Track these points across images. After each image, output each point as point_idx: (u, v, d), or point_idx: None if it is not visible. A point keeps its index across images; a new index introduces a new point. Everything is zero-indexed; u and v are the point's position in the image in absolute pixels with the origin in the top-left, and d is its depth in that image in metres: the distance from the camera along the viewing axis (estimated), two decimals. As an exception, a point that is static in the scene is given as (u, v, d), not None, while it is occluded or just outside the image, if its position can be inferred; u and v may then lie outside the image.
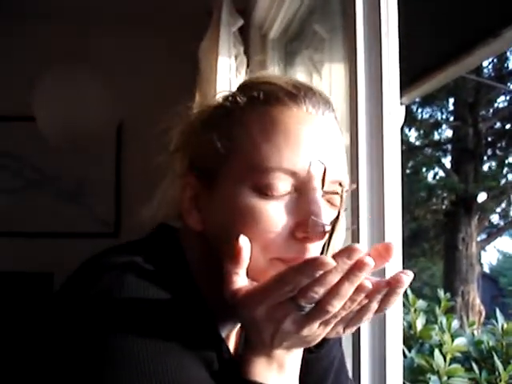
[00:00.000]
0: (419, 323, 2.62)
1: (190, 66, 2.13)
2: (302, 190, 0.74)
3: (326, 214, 0.73)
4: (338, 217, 0.74)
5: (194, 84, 2.13)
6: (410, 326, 2.67)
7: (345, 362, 0.95)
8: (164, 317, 0.70)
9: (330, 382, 0.88)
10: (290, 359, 0.74)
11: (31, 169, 3.34)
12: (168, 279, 0.74)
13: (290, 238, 0.73)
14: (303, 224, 0.72)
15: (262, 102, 0.76)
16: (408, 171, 9.05)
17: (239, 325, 0.88)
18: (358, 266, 0.61)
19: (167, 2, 2.92)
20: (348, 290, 0.63)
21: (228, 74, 1.93)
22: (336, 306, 0.64)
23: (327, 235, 0.73)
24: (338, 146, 0.78)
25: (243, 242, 0.70)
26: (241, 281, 0.71)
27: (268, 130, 0.74)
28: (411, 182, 8.91)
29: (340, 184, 0.76)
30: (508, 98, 9.04)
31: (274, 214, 0.72)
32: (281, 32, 2.26)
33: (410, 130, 9.21)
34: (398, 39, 1.24)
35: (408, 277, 0.64)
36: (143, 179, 2.88)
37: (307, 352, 0.79)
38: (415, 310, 2.68)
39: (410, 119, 8.41)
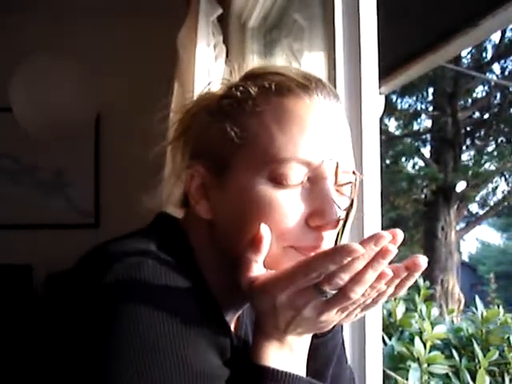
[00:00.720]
0: (399, 311, 2.65)
1: (168, 56, 2.11)
2: (315, 180, 0.75)
3: (338, 203, 0.74)
4: (351, 204, 0.75)
5: (172, 73, 2.11)
6: (390, 314, 2.69)
7: (345, 349, 0.97)
8: (182, 303, 0.70)
9: (332, 366, 0.90)
10: (301, 344, 0.75)
11: (8, 159, 3.30)
12: (179, 267, 0.74)
13: (305, 227, 0.74)
14: (317, 213, 0.74)
15: (274, 93, 0.76)
16: (388, 161, 9.10)
17: (240, 311, 0.89)
18: (382, 254, 0.62)
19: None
20: (372, 277, 0.64)
21: (207, 63, 1.91)
22: (358, 292, 0.65)
23: (341, 223, 0.74)
24: (348, 135, 0.80)
25: (264, 230, 0.72)
26: (259, 269, 0.72)
27: (283, 121, 0.74)
28: (391, 172, 8.96)
29: (354, 173, 0.78)
30: (486, 87, 9.11)
31: (289, 203, 0.73)
32: (260, 21, 2.25)
33: (389, 120, 9.25)
34: (376, 28, 1.24)
35: (425, 260, 0.65)
36: (122, 169, 2.88)
37: (314, 337, 0.80)
38: (395, 299, 2.70)
39: (389, 109, 8.45)
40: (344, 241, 0.75)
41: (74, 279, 0.73)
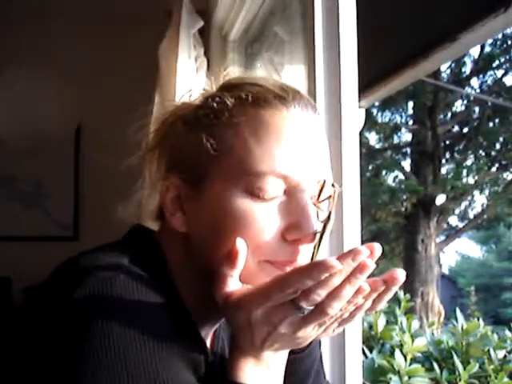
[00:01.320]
0: (380, 324, 2.65)
1: (149, 67, 2.11)
2: (292, 193, 0.74)
3: (316, 216, 0.74)
4: (329, 217, 0.74)
5: (153, 85, 2.11)
6: (370, 327, 2.69)
7: (322, 363, 0.96)
8: (154, 319, 0.68)
9: (310, 382, 0.89)
10: (277, 360, 0.74)
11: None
12: (152, 282, 0.72)
13: (281, 241, 0.73)
14: (294, 226, 0.73)
15: (251, 104, 0.75)
16: (368, 174, 9.15)
17: (216, 326, 0.88)
18: (359, 269, 0.61)
19: (127, 1, 2.90)
20: (349, 292, 0.63)
21: (188, 75, 1.91)
22: (336, 308, 0.64)
23: (317, 237, 0.73)
24: (325, 147, 0.79)
25: (240, 245, 0.70)
26: (234, 284, 0.71)
27: (260, 133, 0.74)
28: (372, 185, 9.01)
29: (333, 185, 0.77)
30: (465, 102, 9.21)
31: (265, 217, 0.72)
32: (241, 33, 2.26)
33: (370, 133, 9.32)
34: (356, 42, 1.25)
35: (403, 274, 0.65)
36: (102, 182, 2.86)
37: (291, 353, 0.79)
38: (376, 312, 2.70)
39: (370, 122, 8.50)
40: (320, 255, 0.74)
41: (45, 293, 0.72)
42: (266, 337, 0.68)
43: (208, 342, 0.89)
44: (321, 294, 0.63)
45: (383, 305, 0.69)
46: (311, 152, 0.75)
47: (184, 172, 0.78)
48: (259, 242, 0.72)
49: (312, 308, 0.64)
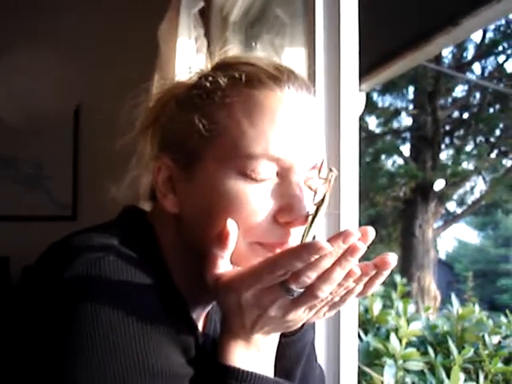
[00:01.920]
0: (376, 308, 2.66)
1: (149, 48, 2.10)
2: (284, 175, 0.74)
3: (307, 199, 0.74)
4: (322, 200, 0.74)
5: (153, 66, 2.10)
6: (366, 311, 2.71)
7: (315, 347, 0.96)
8: (142, 300, 0.68)
9: (301, 365, 0.89)
10: (268, 343, 0.74)
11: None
12: (142, 263, 0.72)
13: (272, 223, 0.73)
14: (286, 209, 0.73)
15: (244, 84, 0.74)
16: (368, 158, 9.14)
17: (208, 308, 0.88)
18: (350, 251, 0.61)
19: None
20: (339, 275, 0.63)
21: (188, 56, 1.90)
22: (326, 291, 0.64)
23: (309, 219, 0.73)
24: (320, 129, 0.79)
25: (231, 226, 0.70)
26: (225, 265, 0.70)
27: (253, 114, 0.73)
28: (371, 169, 9.00)
29: (330, 169, 0.76)
30: (466, 87, 9.19)
31: (258, 198, 0.72)
32: (242, 15, 2.24)
33: (369, 117, 9.30)
34: (357, 26, 1.24)
35: (394, 258, 0.65)
36: (101, 162, 2.85)
37: (282, 336, 0.79)
38: (372, 295, 2.72)
39: (370, 106, 8.48)
40: (311, 237, 0.74)
41: (36, 272, 0.72)
42: (256, 319, 0.69)
43: (200, 324, 0.89)
44: (311, 277, 0.62)
45: (375, 289, 0.68)
46: (305, 134, 0.75)
47: (176, 153, 0.78)
48: (251, 224, 0.72)
49: (302, 291, 0.64)
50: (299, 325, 0.72)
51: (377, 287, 0.68)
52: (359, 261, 0.64)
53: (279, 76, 0.75)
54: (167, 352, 0.68)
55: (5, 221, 3.18)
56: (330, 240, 0.61)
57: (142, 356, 0.64)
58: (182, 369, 0.71)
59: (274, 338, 0.75)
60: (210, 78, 0.77)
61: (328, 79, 1.22)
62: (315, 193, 0.77)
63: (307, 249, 0.61)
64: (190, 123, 0.75)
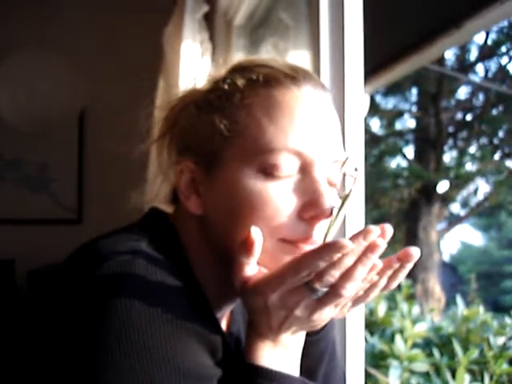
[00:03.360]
0: (381, 310, 2.67)
1: (154, 52, 2.11)
2: (306, 171, 0.75)
3: (330, 193, 0.75)
4: (347, 195, 0.75)
5: (158, 71, 2.11)
6: (371, 313, 2.71)
7: (336, 346, 0.96)
8: (172, 302, 0.69)
9: (324, 364, 0.90)
10: (295, 342, 0.75)
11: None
12: (169, 265, 0.74)
13: (297, 219, 0.74)
14: (310, 204, 0.74)
15: (262, 85, 0.76)
16: (371, 160, 9.14)
17: (232, 307, 0.89)
18: (371, 248, 0.63)
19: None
20: (362, 272, 0.64)
21: (192, 60, 1.91)
22: (349, 289, 0.65)
23: (335, 213, 0.74)
24: (337, 125, 0.80)
25: (255, 234, 0.71)
26: (251, 270, 0.72)
27: (272, 112, 0.74)
28: (375, 171, 8.99)
29: (356, 169, 0.77)
30: (469, 89, 9.17)
31: (281, 195, 0.73)
32: (246, 19, 2.25)
33: (373, 119, 9.29)
34: (362, 29, 1.25)
35: (417, 251, 0.67)
36: (106, 165, 2.87)
37: (306, 335, 0.80)
38: (377, 297, 2.72)
39: (373, 108, 8.48)
40: (334, 232, 0.75)
41: (63, 276, 0.73)
42: (283, 320, 0.70)
43: (224, 325, 0.91)
44: (334, 275, 0.64)
45: (398, 283, 0.70)
46: (324, 129, 0.76)
47: (198, 155, 0.79)
48: (275, 222, 0.73)
49: (326, 290, 0.66)
50: (324, 323, 0.73)
51: (400, 281, 0.70)
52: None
53: (295, 75, 0.77)
54: (195, 353, 0.69)
55: (10, 224, 3.20)
56: (350, 238, 0.62)
57: (170, 356, 0.66)
58: (210, 370, 0.72)
59: (301, 337, 0.76)
60: (228, 81, 0.79)
61: (333, 82, 1.23)
62: (336, 188, 0.79)
63: (329, 248, 0.62)
64: (210, 124, 0.77)
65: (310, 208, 0.74)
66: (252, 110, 0.75)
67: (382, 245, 0.63)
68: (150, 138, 0.87)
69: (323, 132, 0.76)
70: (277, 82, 0.76)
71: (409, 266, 0.68)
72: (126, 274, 0.68)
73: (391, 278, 0.69)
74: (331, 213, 0.74)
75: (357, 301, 0.72)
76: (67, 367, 0.65)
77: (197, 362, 0.69)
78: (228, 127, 0.76)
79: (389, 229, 0.65)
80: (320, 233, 0.75)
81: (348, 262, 0.63)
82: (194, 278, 0.77)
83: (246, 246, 0.71)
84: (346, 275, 0.64)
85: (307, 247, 0.74)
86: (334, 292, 0.66)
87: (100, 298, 0.66)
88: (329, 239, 0.75)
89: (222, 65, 0.86)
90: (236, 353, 0.87)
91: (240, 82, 0.77)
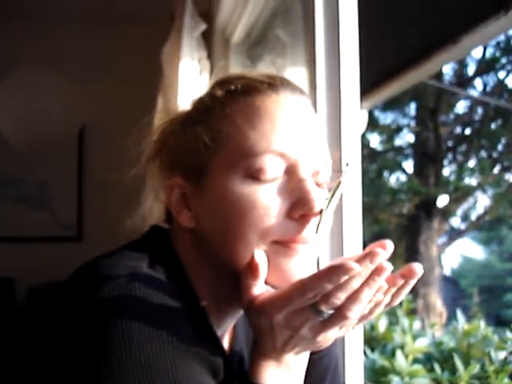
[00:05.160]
0: (382, 325, 2.66)
1: (153, 70, 2.12)
2: (291, 171, 0.76)
3: (317, 191, 0.75)
4: (337, 187, 0.76)
5: (156, 89, 2.12)
6: (372, 328, 2.70)
7: (339, 362, 0.97)
8: (172, 323, 0.70)
9: (328, 381, 0.90)
10: (298, 362, 0.75)
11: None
12: (169, 286, 0.74)
13: (287, 219, 0.75)
14: (298, 203, 0.74)
15: (241, 93, 0.78)
16: (371, 175, 9.14)
17: (233, 322, 0.89)
18: (377, 271, 0.63)
19: (130, 4, 2.91)
20: (368, 295, 0.65)
21: (191, 78, 1.92)
22: (355, 311, 0.65)
23: (324, 211, 0.75)
24: (318, 127, 0.81)
25: (259, 257, 0.72)
26: (258, 289, 0.72)
27: (253, 117, 0.76)
28: (374, 186, 9.00)
29: (347, 164, 0.81)
30: (468, 103, 9.21)
31: (269, 198, 0.74)
32: (244, 36, 2.27)
33: (372, 134, 9.31)
34: (357, 45, 1.26)
35: (420, 268, 0.67)
36: (105, 183, 2.86)
37: (310, 353, 0.80)
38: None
39: (372, 124, 8.50)
40: (324, 229, 0.76)
41: (63, 297, 0.73)
42: (288, 340, 0.70)
43: (227, 342, 0.91)
44: (340, 298, 0.64)
45: (401, 299, 0.71)
46: (305, 131, 0.77)
47: (185, 169, 0.80)
48: (266, 224, 0.73)
49: (332, 312, 0.66)
50: (329, 343, 0.73)
51: (403, 297, 0.70)
52: None
53: (273, 82, 0.79)
54: (197, 373, 0.69)
55: (9, 242, 3.19)
56: (357, 261, 0.62)
57: (171, 377, 0.66)
58: None
59: (304, 357, 0.76)
60: (208, 95, 0.82)
61: (329, 98, 1.24)
62: (323, 187, 0.79)
63: (336, 270, 0.62)
64: (195, 137, 0.79)
65: (299, 207, 0.74)
66: (233, 119, 0.77)
67: (389, 268, 0.63)
68: (140, 162, 0.88)
69: (304, 133, 0.77)
70: (255, 90, 0.78)
71: (412, 283, 0.68)
72: (126, 295, 0.68)
73: (395, 295, 0.69)
74: (321, 210, 0.75)
75: (361, 319, 0.72)
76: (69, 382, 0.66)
77: (198, 382, 0.69)
78: (212, 137, 0.77)
79: (389, 245, 0.66)
80: (311, 231, 0.76)
81: (355, 284, 0.63)
82: (194, 296, 0.77)
83: (251, 269, 0.71)
84: (353, 297, 0.64)
85: (300, 246, 0.75)
86: (339, 314, 0.66)
87: (100, 319, 0.66)
88: (320, 234, 0.76)
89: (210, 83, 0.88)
90: (239, 371, 0.87)
91: (219, 93, 0.79)
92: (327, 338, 0.70)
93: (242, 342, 0.94)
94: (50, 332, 0.70)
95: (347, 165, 0.80)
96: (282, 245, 0.75)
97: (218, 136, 0.77)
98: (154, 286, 0.71)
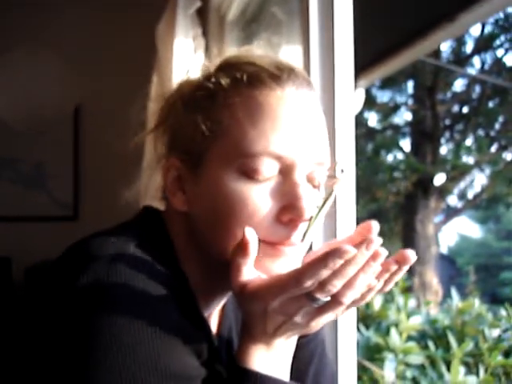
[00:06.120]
0: (377, 303, 2.68)
1: (147, 48, 2.11)
2: (286, 173, 0.75)
3: (309, 197, 0.75)
4: (328, 197, 0.76)
5: (152, 67, 2.11)
6: (367, 306, 2.72)
7: (325, 344, 0.97)
8: (155, 304, 0.70)
9: (314, 364, 0.90)
10: (287, 346, 0.75)
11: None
12: (156, 266, 0.74)
13: (276, 221, 0.75)
14: (288, 208, 0.74)
15: (245, 85, 0.76)
16: (368, 154, 9.14)
17: (222, 303, 0.89)
18: (373, 257, 0.63)
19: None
20: (363, 281, 0.65)
21: (185, 55, 1.91)
22: (350, 297, 0.66)
23: (314, 216, 0.75)
24: (322, 125, 0.80)
25: (250, 234, 0.71)
26: (250, 273, 0.72)
27: (254, 114, 0.74)
28: (372, 165, 9.00)
29: (342, 170, 0.79)
30: (466, 81, 9.18)
31: (260, 198, 0.74)
32: (239, 14, 2.25)
33: (369, 113, 9.29)
34: (352, 23, 1.25)
35: (413, 254, 0.67)
36: (101, 161, 2.87)
37: (298, 337, 0.81)
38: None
39: (369, 102, 8.48)
40: (313, 233, 0.76)
41: (51, 277, 0.74)
42: (280, 325, 0.70)
43: (216, 322, 0.92)
44: (336, 285, 0.64)
45: (392, 285, 0.71)
46: (306, 131, 0.76)
47: (183, 153, 0.80)
48: (254, 223, 0.73)
49: (327, 299, 0.66)
50: (319, 327, 0.73)
51: (394, 283, 0.70)
52: None
53: (279, 74, 0.77)
54: (180, 353, 0.70)
55: (6, 221, 3.19)
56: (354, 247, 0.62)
57: (154, 357, 0.66)
58: (195, 370, 0.72)
59: (293, 341, 0.76)
60: (213, 80, 0.79)
61: (323, 76, 1.23)
62: (318, 189, 0.79)
63: (332, 255, 0.62)
64: (194, 124, 0.78)
65: (289, 211, 0.74)
66: (234, 111, 0.75)
67: (384, 253, 0.64)
68: (146, 129, 0.87)
69: (305, 134, 0.76)
70: (260, 83, 0.76)
71: (405, 269, 0.68)
72: (109, 278, 0.69)
73: (387, 280, 0.69)
74: (310, 217, 0.74)
75: (352, 304, 0.71)
76: (53, 371, 0.67)
77: (181, 362, 0.69)
78: (211, 128, 0.76)
79: (375, 225, 0.68)
80: (298, 235, 0.76)
81: (351, 271, 0.63)
82: (182, 277, 0.78)
83: (241, 247, 0.71)
84: (348, 284, 0.64)
85: (286, 249, 0.75)
86: (334, 301, 0.66)
87: (83, 305, 0.67)
88: (307, 240, 0.76)
89: (216, 56, 0.86)
90: (227, 351, 0.87)
91: (224, 81, 0.77)
92: (320, 323, 0.71)
93: (232, 321, 0.95)
94: (37, 316, 0.71)
95: (342, 171, 0.79)
96: (268, 245, 0.75)
97: (217, 128, 0.76)
98: (139, 267, 0.71)
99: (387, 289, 0.71)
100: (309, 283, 0.64)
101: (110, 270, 0.69)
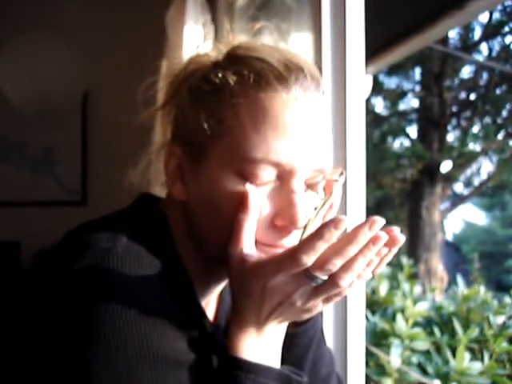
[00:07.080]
0: (383, 289, 2.69)
1: (157, 35, 2.11)
2: (283, 179, 0.75)
3: (305, 205, 0.75)
4: (326, 201, 0.77)
5: (160, 53, 2.11)
6: (373, 292, 2.74)
7: (323, 331, 0.98)
8: (147, 291, 0.71)
9: (312, 351, 0.91)
10: (278, 332, 0.76)
11: (-4, 137, 3.28)
12: (152, 253, 0.75)
13: (269, 225, 0.75)
14: (283, 213, 0.75)
15: (251, 85, 0.75)
16: (375, 140, 9.12)
17: (218, 290, 0.90)
18: (373, 241, 0.63)
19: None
20: (362, 264, 0.65)
21: (195, 42, 1.91)
22: (347, 279, 0.66)
23: (311, 221, 0.75)
24: (324, 131, 0.79)
25: (250, 189, 0.72)
26: (249, 242, 0.73)
27: (257, 118, 0.73)
28: (378, 151, 8.98)
29: (341, 173, 0.79)
30: (473, 68, 9.12)
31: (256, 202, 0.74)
32: (248, 0, 2.24)
33: (376, 99, 9.26)
34: (363, 10, 1.25)
35: (402, 236, 0.66)
36: (109, 146, 2.88)
37: (295, 326, 0.82)
38: (379, 276, 2.75)
39: (377, 88, 8.44)
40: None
41: (49, 263, 0.76)
42: (275, 307, 0.70)
43: (213, 307, 0.93)
44: (336, 264, 0.64)
45: (383, 268, 0.71)
46: (308, 139, 0.75)
47: (185, 144, 0.80)
48: None
49: (325, 279, 0.66)
50: (314, 313, 0.73)
51: (383, 268, 0.70)
52: None
53: (286, 76, 0.75)
54: (171, 338, 0.71)
55: (15, 206, 3.21)
56: (357, 227, 0.63)
57: (145, 342, 0.67)
58: (183, 355, 0.72)
59: (284, 327, 0.77)
60: (220, 74, 0.77)
61: (334, 63, 1.24)
62: (317, 192, 0.79)
63: (327, 225, 0.62)
64: (197, 120, 0.77)
65: (283, 217, 0.75)
66: (238, 112, 0.75)
67: (384, 238, 0.64)
68: (155, 105, 0.87)
69: (308, 142, 0.75)
70: (266, 84, 0.75)
71: (394, 251, 0.68)
72: (104, 265, 0.71)
73: (378, 265, 0.69)
74: (305, 226, 0.75)
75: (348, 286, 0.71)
76: (45, 355, 0.68)
77: (172, 347, 0.70)
78: (213, 127, 0.76)
79: (381, 220, 0.65)
80: (291, 241, 0.76)
81: (352, 251, 0.63)
82: (178, 264, 0.79)
83: (243, 203, 0.72)
84: (346, 266, 0.65)
85: (278, 251, 0.75)
86: (332, 281, 0.66)
87: (77, 289, 0.69)
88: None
89: (228, 33, 0.86)
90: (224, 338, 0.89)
91: (231, 78, 0.76)
92: (314, 306, 0.71)
93: (229, 307, 0.95)
94: (35, 302, 0.73)
95: (341, 174, 0.79)
96: (263, 246, 0.76)
97: (219, 127, 0.75)
98: (133, 254, 0.73)
99: (377, 272, 0.71)
100: (307, 257, 0.64)
101: (104, 257, 0.71)
